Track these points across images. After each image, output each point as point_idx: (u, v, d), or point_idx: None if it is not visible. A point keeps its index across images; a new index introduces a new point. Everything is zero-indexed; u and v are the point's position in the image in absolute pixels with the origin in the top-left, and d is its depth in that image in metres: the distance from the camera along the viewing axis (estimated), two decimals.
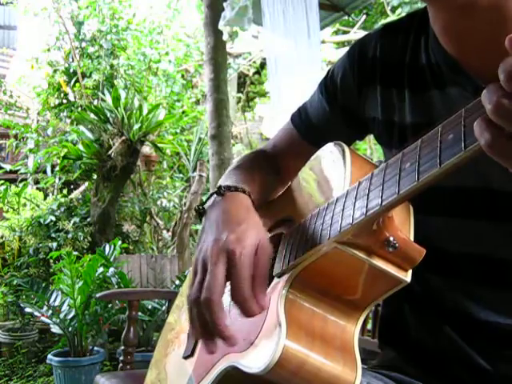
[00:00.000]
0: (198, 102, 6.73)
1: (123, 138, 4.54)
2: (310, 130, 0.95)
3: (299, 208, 0.76)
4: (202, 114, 6.00)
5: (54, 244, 4.30)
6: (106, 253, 3.60)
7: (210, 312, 0.63)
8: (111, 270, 3.50)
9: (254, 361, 0.62)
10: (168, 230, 5.31)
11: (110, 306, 3.41)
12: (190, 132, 6.16)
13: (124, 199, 4.97)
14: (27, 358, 3.89)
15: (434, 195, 0.65)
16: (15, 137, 5.63)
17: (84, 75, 5.33)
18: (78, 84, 5.33)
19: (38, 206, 5.14)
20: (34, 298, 3.56)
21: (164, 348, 1.01)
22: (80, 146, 4.68)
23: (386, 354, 0.90)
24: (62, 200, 4.83)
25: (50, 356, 3.31)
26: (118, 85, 5.29)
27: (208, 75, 3.84)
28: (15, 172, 5.79)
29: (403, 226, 0.60)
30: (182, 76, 6.44)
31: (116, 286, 3.48)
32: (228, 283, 0.64)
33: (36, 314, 3.61)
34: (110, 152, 4.53)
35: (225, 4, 3.44)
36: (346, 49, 0.92)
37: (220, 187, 0.77)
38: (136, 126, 4.53)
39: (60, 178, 5.33)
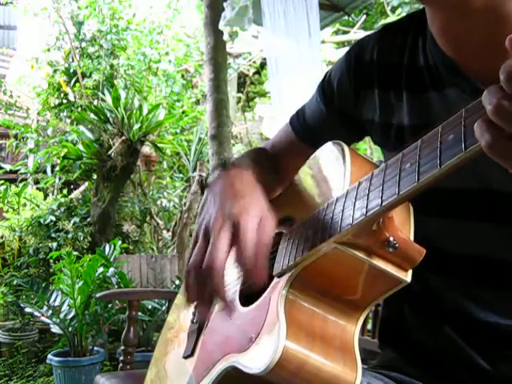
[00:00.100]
0: (198, 102, 6.73)
1: (123, 138, 4.54)
2: (308, 132, 0.96)
3: (299, 207, 0.76)
4: (202, 114, 6.00)
5: (54, 244, 4.30)
6: (106, 253, 3.60)
7: (211, 279, 0.64)
8: (111, 269, 3.50)
9: (254, 361, 0.62)
10: (168, 230, 5.32)
11: (110, 306, 3.41)
12: (190, 132, 6.16)
13: (124, 199, 4.97)
14: (27, 358, 3.89)
15: (433, 196, 0.65)
16: (15, 137, 5.63)
17: (84, 75, 5.33)
18: (78, 84, 5.33)
19: (38, 206, 5.14)
20: (34, 298, 3.57)
21: (164, 347, 1.01)
22: (80, 146, 4.68)
23: (386, 354, 0.90)
24: (62, 200, 4.83)
25: (49, 356, 3.31)
26: (118, 85, 5.29)
27: (208, 75, 3.84)
28: (15, 172, 5.79)
29: (403, 227, 0.60)
30: (182, 76, 6.44)
31: (116, 286, 3.48)
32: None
33: (36, 313, 3.61)
34: (110, 152, 4.54)
35: (225, 4, 3.44)
36: (346, 49, 0.93)
37: (224, 162, 0.78)
38: (136, 126, 4.53)
39: (60, 178, 5.34)
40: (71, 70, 5.49)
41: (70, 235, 4.33)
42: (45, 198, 5.62)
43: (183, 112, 5.96)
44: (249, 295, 0.75)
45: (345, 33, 7.14)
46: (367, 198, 0.56)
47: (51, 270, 4.16)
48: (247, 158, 0.90)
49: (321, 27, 3.74)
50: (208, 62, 3.83)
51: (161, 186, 5.57)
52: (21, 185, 5.25)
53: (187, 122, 5.85)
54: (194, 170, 5.42)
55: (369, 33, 0.91)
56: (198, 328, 0.86)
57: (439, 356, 0.80)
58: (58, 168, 5.02)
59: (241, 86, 7.96)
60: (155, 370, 0.99)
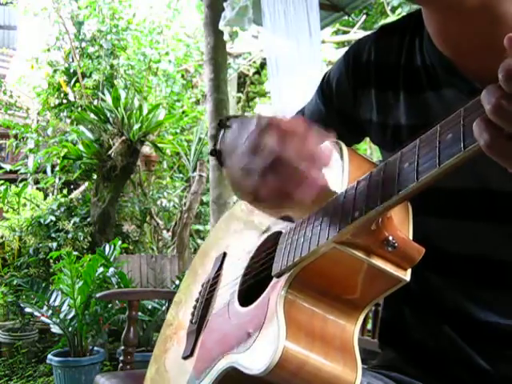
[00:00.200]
0: (198, 102, 6.73)
1: (123, 137, 4.54)
2: None
3: (298, 207, 0.76)
4: (202, 114, 5.99)
5: (54, 244, 4.30)
6: (106, 253, 3.60)
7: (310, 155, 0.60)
8: (111, 269, 3.50)
9: (253, 362, 0.61)
10: (168, 230, 5.32)
11: (110, 306, 3.41)
12: (190, 132, 6.16)
13: (124, 199, 4.97)
14: (27, 358, 3.89)
15: (433, 196, 0.65)
16: (15, 137, 5.63)
17: (84, 75, 5.33)
18: (78, 84, 5.33)
19: (38, 206, 5.14)
20: (34, 298, 3.57)
21: (163, 344, 1.01)
22: (80, 146, 4.68)
23: (386, 354, 0.90)
24: (62, 200, 4.83)
25: (49, 356, 3.31)
26: (118, 85, 5.29)
27: (208, 75, 3.84)
28: (15, 172, 5.79)
29: (402, 226, 0.60)
30: (182, 76, 6.44)
31: (116, 286, 3.48)
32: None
33: (36, 313, 3.61)
34: (110, 152, 4.54)
35: (225, 4, 3.44)
36: (346, 49, 0.93)
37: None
38: (136, 126, 4.53)
39: (60, 178, 5.34)
40: (71, 70, 5.49)
41: (70, 235, 4.33)
42: (45, 198, 5.62)
43: (183, 112, 5.96)
44: (248, 295, 0.75)
45: (345, 33, 7.14)
46: (366, 198, 0.56)
47: (51, 270, 4.16)
48: None
49: (321, 27, 3.73)
50: (208, 62, 3.84)
51: (161, 186, 5.57)
52: (21, 185, 5.25)
53: (187, 122, 5.85)
54: (194, 169, 5.42)
55: (368, 33, 0.91)
56: (197, 328, 0.86)
57: (439, 356, 0.80)
58: (57, 168, 5.02)
59: (241, 86, 7.96)
60: (155, 367, 0.99)
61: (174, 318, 1.04)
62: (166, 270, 4.16)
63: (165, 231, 5.30)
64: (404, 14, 1.06)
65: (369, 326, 1.77)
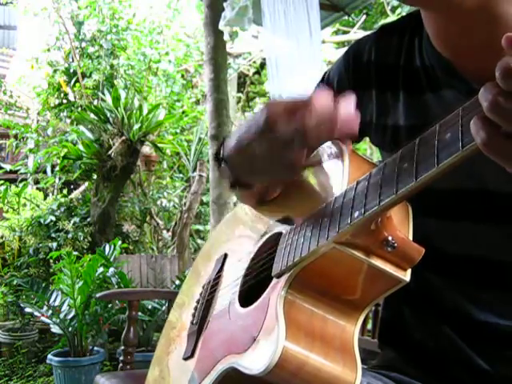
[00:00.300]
0: (198, 102, 6.73)
1: (123, 137, 4.54)
2: None
3: (298, 208, 0.76)
4: (202, 114, 6.00)
5: (54, 244, 4.30)
6: (106, 253, 3.60)
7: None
8: (111, 269, 3.50)
9: (253, 362, 0.61)
10: (168, 230, 5.32)
11: (110, 306, 3.41)
12: (190, 132, 6.16)
13: (124, 199, 4.97)
14: (27, 358, 3.89)
15: (432, 197, 0.65)
16: (15, 137, 5.63)
17: (84, 75, 5.33)
18: (78, 84, 5.33)
19: (38, 206, 5.14)
20: (34, 298, 3.57)
21: (166, 346, 1.01)
22: (80, 146, 4.68)
23: (385, 354, 0.90)
24: (62, 200, 4.84)
25: (49, 356, 3.31)
26: (118, 85, 5.29)
27: (208, 75, 3.84)
28: (15, 172, 5.79)
29: (402, 226, 0.60)
30: (182, 76, 6.44)
31: (116, 286, 3.48)
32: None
33: (36, 313, 3.62)
34: (110, 152, 4.54)
35: (225, 4, 3.44)
36: (346, 49, 0.93)
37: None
38: (136, 126, 4.53)
39: (60, 178, 5.34)
40: (71, 70, 5.49)
41: (70, 235, 4.33)
42: (45, 198, 5.62)
43: (183, 112, 5.96)
44: (248, 296, 0.75)
45: (345, 33, 7.14)
46: (365, 198, 0.56)
47: (51, 270, 4.16)
48: None
49: (321, 27, 3.73)
50: (208, 62, 3.84)
51: (161, 186, 5.57)
52: (21, 185, 5.25)
53: (187, 122, 5.85)
54: (194, 169, 5.42)
55: (368, 33, 0.91)
56: (198, 329, 0.86)
57: (439, 356, 0.80)
58: (58, 168, 5.02)
59: (241, 86, 7.96)
60: (158, 369, 0.99)
61: (177, 320, 1.03)
62: (166, 269, 4.16)
63: (165, 231, 5.30)
64: (404, 14, 1.06)
65: (369, 326, 1.77)
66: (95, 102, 5.16)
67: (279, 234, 0.76)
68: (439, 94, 0.75)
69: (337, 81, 0.90)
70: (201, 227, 5.73)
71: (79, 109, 5.14)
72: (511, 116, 0.40)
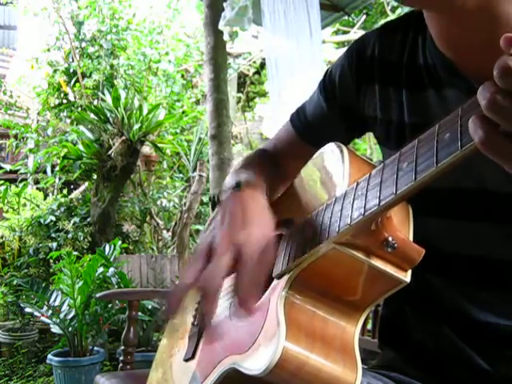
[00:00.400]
0: (198, 102, 6.73)
1: (123, 137, 4.54)
2: (309, 130, 0.96)
3: (299, 208, 0.76)
4: (202, 114, 6.00)
5: (54, 244, 4.30)
6: (106, 253, 3.60)
7: (205, 299, 0.63)
8: (111, 270, 3.50)
9: (253, 362, 0.61)
10: (168, 230, 5.32)
11: (110, 306, 3.41)
12: (190, 132, 6.16)
13: (124, 199, 4.97)
14: (27, 358, 3.89)
15: (431, 197, 0.65)
16: (15, 137, 5.63)
17: (84, 75, 5.33)
18: (78, 84, 5.33)
19: (38, 206, 5.13)
20: (34, 298, 3.56)
21: (169, 348, 1.01)
22: (80, 146, 4.68)
23: (385, 354, 0.90)
24: (62, 200, 4.83)
25: (49, 356, 3.31)
26: (118, 85, 5.29)
27: (208, 75, 3.84)
28: (15, 172, 5.79)
29: (402, 226, 0.60)
30: (182, 76, 6.44)
31: (116, 286, 3.48)
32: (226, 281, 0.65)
33: (36, 313, 3.61)
34: (110, 152, 4.54)
35: (225, 4, 3.44)
36: (349, 46, 0.93)
37: (239, 182, 0.78)
38: (136, 126, 4.53)
39: (60, 178, 5.34)
40: (71, 70, 5.49)
41: (70, 235, 4.33)
42: (45, 198, 5.62)
43: (183, 112, 5.96)
44: None
45: (345, 33, 7.15)
46: (365, 198, 0.56)
47: (51, 270, 4.16)
48: (253, 169, 0.90)
49: (321, 27, 3.73)
50: (208, 62, 3.84)
51: (161, 186, 5.57)
52: (21, 185, 5.25)
53: (187, 121, 5.85)
54: (194, 169, 5.42)
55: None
56: (199, 330, 0.86)
57: (439, 356, 0.80)
58: (58, 168, 5.02)
59: (241, 86, 7.97)
60: (161, 370, 0.98)
61: (179, 321, 1.03)
62: (166, 270, 4.16)
63: (165, 231, 5.30)
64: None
65: (369, 326, 1.77)
66: (95, 102, 5.16)
67: (280, 235, 0.76)
68: (441, 92, 0.75)
69: (339, 75, 0.90)
70: (201, 227, 5.73)
71: (79, 109, 5.14)
72: (509, 114, 0.40)
